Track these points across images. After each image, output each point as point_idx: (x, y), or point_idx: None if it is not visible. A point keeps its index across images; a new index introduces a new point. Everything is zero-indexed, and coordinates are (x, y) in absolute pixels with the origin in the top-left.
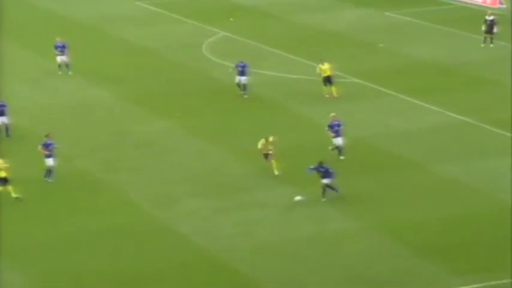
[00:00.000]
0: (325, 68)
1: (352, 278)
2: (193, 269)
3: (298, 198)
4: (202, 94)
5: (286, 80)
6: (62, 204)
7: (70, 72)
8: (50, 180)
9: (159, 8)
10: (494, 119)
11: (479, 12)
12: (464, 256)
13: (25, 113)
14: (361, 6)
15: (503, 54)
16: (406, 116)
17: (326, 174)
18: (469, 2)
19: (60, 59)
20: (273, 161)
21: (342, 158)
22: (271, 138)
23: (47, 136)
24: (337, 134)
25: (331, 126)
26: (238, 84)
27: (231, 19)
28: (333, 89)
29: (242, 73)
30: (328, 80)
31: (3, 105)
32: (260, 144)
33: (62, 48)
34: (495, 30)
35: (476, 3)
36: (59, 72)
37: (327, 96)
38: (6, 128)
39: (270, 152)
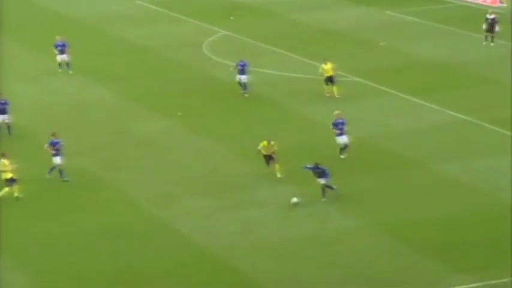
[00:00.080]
0: (328, 68)
1: (352, 277)
2: (193, 267)
3: (294, 200)
4: (202, 93)
5: (287, 78)
6: (62, 203)
7: (71, 71)
8: (65, 179)
9: (159, 7)
10: (495, 117)
11: (479, 11)
12: (465, 255)
13: (25, 111)
14: (361, 4)
15: (504, 53)
16: (407, 114)
17: (322, 174)
18: (469, 0)
19: (60, 58)
20: (276, 164)
21: (342, 157)
22: (272, 143)
23: (53, 135)
24: (341, 132)
25: (335, 124)
26: (239, 83)
27: (232, 18)
28: (334, 89)
29: (242, 72)
30: (330, 80)
31: (4, 103)
32: (261, 145)
33: (62, 47)
34: (496, 29)
35: (477, 2)
36: (59, 71)
37: (327, 95)
38: (8, 126)
39: (274, 154)
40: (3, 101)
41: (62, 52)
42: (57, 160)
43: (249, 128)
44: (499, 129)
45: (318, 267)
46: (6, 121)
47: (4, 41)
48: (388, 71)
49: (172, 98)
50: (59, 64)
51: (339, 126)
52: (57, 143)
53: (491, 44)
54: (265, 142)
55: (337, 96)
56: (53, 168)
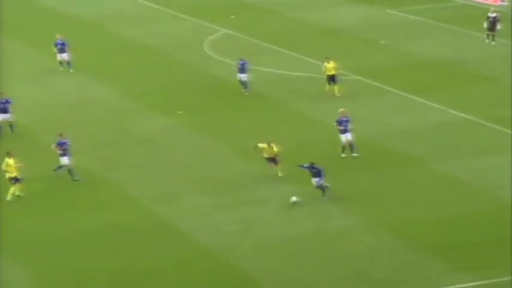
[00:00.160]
0: (330, 67)
1: (352, 275)
2: (194, 266)
3: (294, 199)
4: (203, 92)
5: (288, 77)
6: (63, 201)
7: (71, 70)
8: (76, 178)
9: (160, 5)
10: (496, 116)
11: (480, 9)
12: (465, 253)
13: (26, 110)
14: (362, 3)
15: (505, 52)
16: (407, 113)
17: (317, 174)
18: None
19: (60, 56)
20: (279, 166)
21: (343, 155)
22: (272, 144)
23: (60, 135)
24: (345, 129)
25: (339, 122)
26: (240, 82)
27: (232, 16)
28: (336, 88)
29: (242, 70)
30: (331, 79)
31: (6, 102)
32: (261, 145)
33: (61, 46)
34: (498, 27)
35: (478, 0)
36: (61, 69)
37: (328, 93)
38: (10, 125)
39: (277, 157)
40: (4, 100)
41: (61, 51)
42: (64, 160)
43: (249, 126)
44: (500, 128)
45: (318, 266)
46: (8, 120)
47: (5, 40)
48: (389, 69)
49: (172, 97)
50: (60, 63)
51: (343, 124)
52: (64, 143)
53: (492, 43)
54: (264, 145)
55: (337, 94)
56: (60, 166)
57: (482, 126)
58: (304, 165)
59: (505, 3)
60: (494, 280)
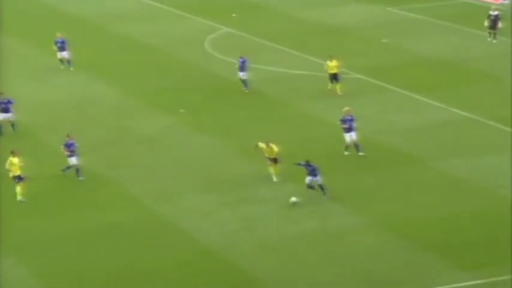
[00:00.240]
0: (332, 65)
1: (354, 274)
2: (194, 265)
3: (293, 199)
4: (204, 90)
5: (289, 75)
6: (64, 200)
7: (72, 68)
8: (80, 178)
9: (161, 3)
10: (497, 115)
11: (481, 8)
12: (466, 252)
13: (26, 109)
14: (363, 1)
15: (507, 50)
16: (409, 111)
17: (312, 172)
18: None
19: (60, 55)
20: (272, 172)
21: (346, 153)
22: (272, 145)
23: (68, 136)
24: (350, 128)
25: (343, 121)
26: (240, 80)
27: (234, 15)
28: (337, 86)
29: (242, 68)
30: (334, 77)
31: (8, 102)
32: (261, 145)
33: (61, 44)
34: (499, 25)
35: None
36: (62, 67)
37: (330, 91)
38: (12, 124)
39: (277, 157)
40: (6, 101)
41: (61, 49)
42: (73, 161)
43: (250, 125)
44: (502, 127)
45: (319, 265)
46: (10, 119)
47: (5, 39)
48: (390, 68)
49: (174, 95)
50: (61, 61)
51: (347, 123)
52: (71, 144)
53: (494, 41)
54: (263, 145)
55: (339, 93)
56: (69, 167)
57: (483, 125)
58: (301, 163)
59: (506, 2)
60: (494, 279)
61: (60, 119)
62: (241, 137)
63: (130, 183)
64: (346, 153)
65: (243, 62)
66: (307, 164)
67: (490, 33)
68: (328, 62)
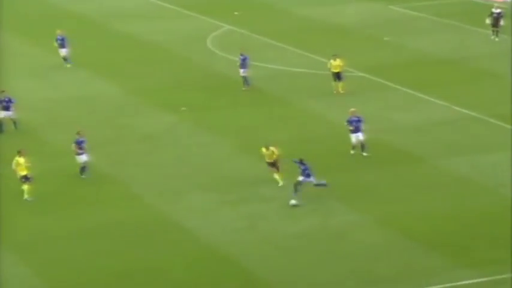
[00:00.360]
0: (335, 64)
1: (355, 272)
2: (197, 262)
3: (293, 202)
4: (206, 88)
5: (291, 73)
6: (66, 198)
7: (68, 65)
8: (84, 177)
9: (163, 1)
10: (499, 113)
11: (484, 6)
12: (468, 250)
13: (29, 107)
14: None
15: (508, 48)
16: (411, 110)
17: (304, 171)
18: None
19: (60, 52)
20: (276, 176)
21: (352, 152)
22: (272, 148)
23: (78, 133)
24: (356, 129)
25: (349, 122)
26: (241, 77)
27: (236, 13)
28: (340, 84)
29: (242, 66)
30: (337, 76)
31: (9, 101)
32: (260, 152)
33: (61, 41)
34: (501, 23)
35: None
36: (64, 65)
37: (334, 92)
38: (14, 122)
39: (277, 162)
40: (7, 99)
41: (61, 46)
42: (83, 158)
43: (253, 122)
44: (504, 125)
45: (320, 264)
46: (11, 117)
47: (7, 37)
48: (392, 66)
49: (176, 93)
50: (63, 58)
51: (353, 124)
52: (82, 141)
53: (496, 39)
54: (263, 148)
55: (341, 91)
56: (83, 167)
57: (486, 123)
58: (296, 161)
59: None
60: (498, 276)
61: (61, 117)
62: (244, 135)
63: (132, 181)
64: (352, 152)
65: (244, 59)
66: (301, 162)
67: (493, 31)
68: (332, 61)
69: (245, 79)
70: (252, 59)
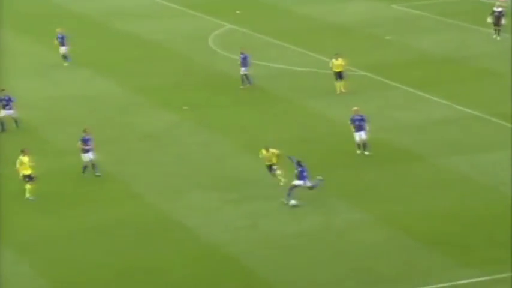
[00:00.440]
0: (337, 64)
1: (358, 271)
2: (199, 261)
3: (293, 202)
4: (208, 87)
5: (292, 72)
6: (68, 197)
7: (66, 64)
8: (97, 174)
9: (164, 0)
10: (501, 112)
11: (485, 5)
12: (468, 249)
13: (30, 105)
14: None
15: (509, 47)
16: (413, 108)
17: (301, 174)
18: None
19: (59, 49)
20: (278, 172)
21: (358, 152)
22: (273, 150)
23: (84, 131)
24: (359, 128)
25: (352, 120)
26: (241, 75)
27: (238, 12)
28: (341, 83)
29: (243, 64)
30: (338, 75)
31: (9, 100)
32: (260, 154)
33: (61, 40)
34: (503, 21)
35: None
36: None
37: (338, 92)
38: (15, 120)
39: (274, 165)
40: (7, 98)
41: (61, 44)
42: (88, 156)
43: (254, 121)
44: (505, 124)
45: (322, 263)
46: (12, 116)
47: (8, 36)
48: (394, 65)
49: (177, 92)
50: (62, 56)
51: (356, 122)
52: (88, 139)
53: (498, 38)
54: (263, 150)
55: (343, 90)
56: (85, 166)
57: (487, 122)
58: (293, 160)
59: None
60: (500, 275)
61: (62, 115)
62: (246, 134)
63: (134, 180)
64: (358, 152)
65: (244, 58)
66: (298, 164)
67: (495, 29)
68: (334, 60)
69: (246, 77)
70: (254, 57)
